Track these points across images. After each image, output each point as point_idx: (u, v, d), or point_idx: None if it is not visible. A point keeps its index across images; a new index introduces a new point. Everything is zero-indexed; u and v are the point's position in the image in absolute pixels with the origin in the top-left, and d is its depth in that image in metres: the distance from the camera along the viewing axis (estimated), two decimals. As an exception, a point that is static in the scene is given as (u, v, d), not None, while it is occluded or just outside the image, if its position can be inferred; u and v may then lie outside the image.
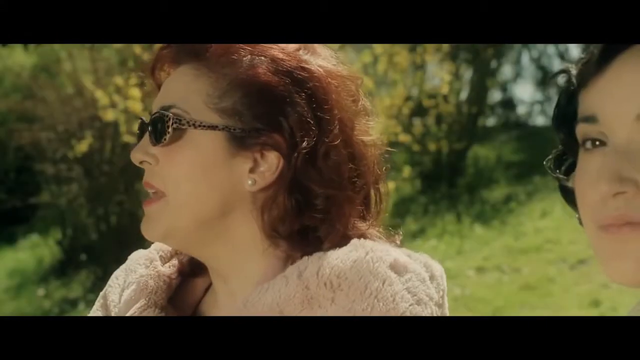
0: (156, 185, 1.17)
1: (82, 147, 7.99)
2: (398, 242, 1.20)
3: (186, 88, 1.17)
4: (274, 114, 1.14)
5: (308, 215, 1.14)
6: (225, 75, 1.15)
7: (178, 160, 1.15)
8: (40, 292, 8.55)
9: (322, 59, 1.19)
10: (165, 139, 1.15)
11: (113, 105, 7.41)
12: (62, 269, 8.99)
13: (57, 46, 9.19)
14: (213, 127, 1.14)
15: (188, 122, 1.15)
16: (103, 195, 8.64)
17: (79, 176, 8.83)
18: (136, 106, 7.10)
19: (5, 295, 8.69)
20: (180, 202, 1.15)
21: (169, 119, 1.15)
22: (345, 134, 1.16)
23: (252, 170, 1.15)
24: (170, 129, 1.15)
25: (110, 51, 8.74)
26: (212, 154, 1.15)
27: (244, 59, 1.15)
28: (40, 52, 10.18)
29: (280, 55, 1.16)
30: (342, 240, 1.14)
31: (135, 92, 7.03)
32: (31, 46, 10.45)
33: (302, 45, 1.18)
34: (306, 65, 1.16)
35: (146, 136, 1.18)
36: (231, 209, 1.16)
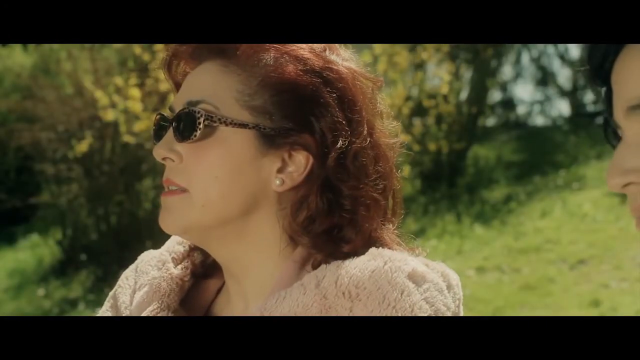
0: (179, 183, 1.15)
1: (82, 147, 7.98)
2: (417, 252, 1.18)
3: (214, 84, 1.15)
4: (304, 114, 1.13)
5: (338, 215, 1.13)
6: (255, 74, 1.14)
7: (206, 158, 1.13)
8: (40, 292, 8.55)
9: (346, 60, 1.19)
10: (195, 136, 1.13)
11: (113, 105, 7.41)
12: (62, 269, 8.98)
13: (57, 46, 9.19)
14: (244, 125, 1.13)
15: (219, 119, 1.13)
16: (103, 195, 8.64)
17: (79, 176, 8.83)
18: (136, 106, 7.10)
19: (5, 295, 8.68)
20: (205, 201, 1.13)
21: (201, 115, 1.13)
22: (371, 136, 1.16)
23: (280, 170, 1.14)
24: (201, 126, 1.13)
25: (110, 51, 8.74)
26: (242, 153, 1.13)
27: (274, 58, 1.14)
28: (40, 52, 10.17)
29: (309, 55, 1.15)
30: (366, 243, 1.13)
31: (135, 92, 7.03)
32: (31, 46, 10.44)
33: (326, 45, 1.18)
34: (334, 66, 1.16)
35: (170, 132, 1.16)
36: (255, 208, 1.15)
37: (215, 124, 1.13)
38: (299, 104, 1.13)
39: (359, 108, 1.15)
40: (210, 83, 1.15)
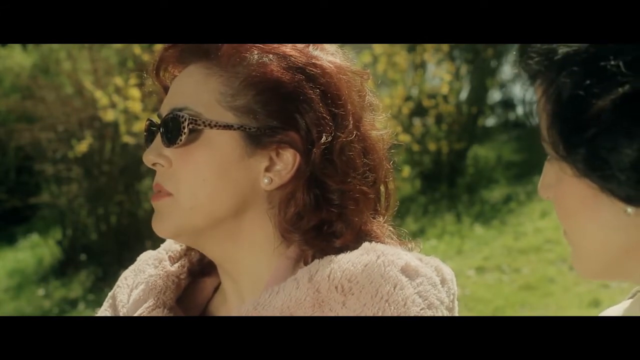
0: (167, 189, 1.16)
1: (82, 147, 7.98)
2: (410, 247, 1.19)
3: (197, 88, 1.16)
4: (288, 111, 1.13)
5: (326, 210, 1.14)
6: (237, 74, 1.14)
7: (193, 161, 1.14)
8: (40, 292, 8.55)
9: (331, 54, 1.19)
10: (180, 140, 1.14)
11: (113, 105, 7.41)
12: (62, 269, 8.98)
13: (57, 46, 9.19)
14: (229, 127, 1.13)
15: (204, 122, 1.14)
16: (103, 195, 8.64)
17: (79, 176, 8.83)
18: (136, 106, 7.10)
19: (5, 295, 8.68)
20: (193, 203, 1.14)
21: (185, 119, 1.13)
22: (358, 129, 1.17)
23: (268, 169, 1.14)
24: (186, 130, 1.13)
25: (109, 51, 8.74)
26: (229, 154, 1.14)
27: (256, 57, 1.14)
28: (40, 52, 10.17)
29: (291, 52, 1.15)
30: (356, 237, 1.14)
31: (135, 92, 7.04)
32: (31, 46, 10.44)
33: None
34: (317, 61, 1.16)
35: (158, 137, 1.17)
36: (246, 208, 1.15)
37: (200, 127, 1.14)
38: (282, 101, 1.13)
39: (343, 102, 1.15)
40: (194, 88, 1.16)
